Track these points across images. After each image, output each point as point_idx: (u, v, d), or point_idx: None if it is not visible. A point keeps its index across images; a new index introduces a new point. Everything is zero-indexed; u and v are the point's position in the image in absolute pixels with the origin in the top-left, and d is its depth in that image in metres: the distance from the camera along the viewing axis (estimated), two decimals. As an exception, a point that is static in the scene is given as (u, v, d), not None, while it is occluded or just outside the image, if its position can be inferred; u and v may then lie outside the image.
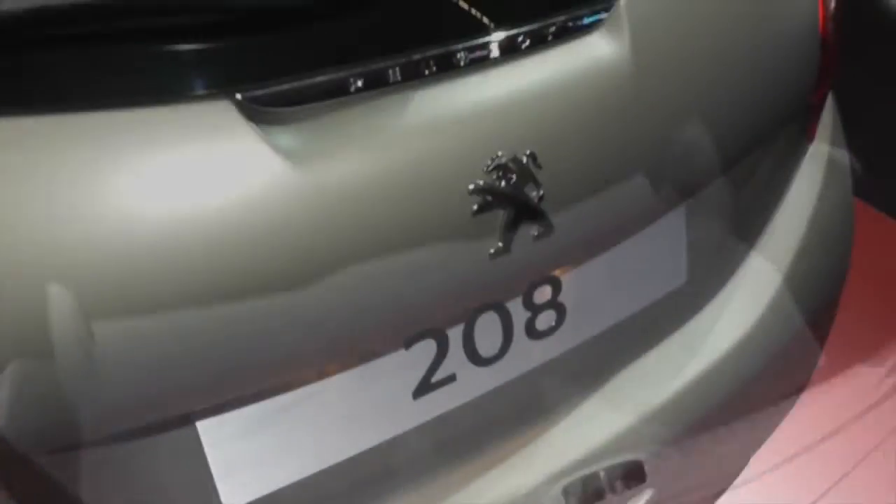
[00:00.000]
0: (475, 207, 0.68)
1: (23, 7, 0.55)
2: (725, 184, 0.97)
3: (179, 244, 0.57)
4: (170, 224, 0.57)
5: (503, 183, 0.68)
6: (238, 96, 0.60)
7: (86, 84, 0.60)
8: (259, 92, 0.61)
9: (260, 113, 0.61)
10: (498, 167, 0.68)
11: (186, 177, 0.59)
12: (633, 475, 0.94)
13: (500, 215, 0.69)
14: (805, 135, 1.13)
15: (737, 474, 1.21)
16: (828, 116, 1.22)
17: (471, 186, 0.67)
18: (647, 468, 0.95)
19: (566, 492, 0.86)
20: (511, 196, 0.69)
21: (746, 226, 1.06)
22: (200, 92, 0.62)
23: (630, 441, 0.92)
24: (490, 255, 0.70)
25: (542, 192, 0.70)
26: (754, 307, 1.05)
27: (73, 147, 0.56)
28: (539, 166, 0.70)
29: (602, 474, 0.90)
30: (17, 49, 0.57)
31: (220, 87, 0.61)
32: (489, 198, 0.68)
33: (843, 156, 1.25)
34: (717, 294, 1.04)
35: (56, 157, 0.55)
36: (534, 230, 0.71)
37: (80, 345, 0.55)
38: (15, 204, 0.54)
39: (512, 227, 0.70)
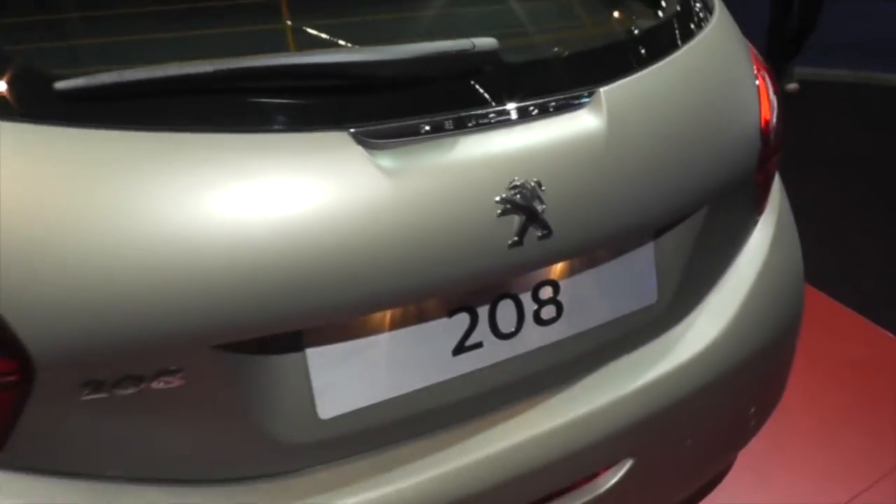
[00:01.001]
0: (499, 212, 1.02)
1: (233, 67, 0.93)
2: (685, 232, 1.30)
3: (311, 227, 0.93)
4: (308, 213, 0.93)
5: (518, 197, 1.03)
6: (352, 130, 0.97)
7: (262, 115, 0.96)
8: (366, 128, 0.98)
9: (365, 142, 0.97)
10: (515, 186, 1.03)
11: (316, 180, 0.95)
12: (613, 446, 1.24)
13: (515, 219, 1.03)
14: (756, 207, 1.48)
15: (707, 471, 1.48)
16: (776, 196, 1.56)
17: (496, 198, 1.02)
18: (625, 441, 1.25)
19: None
20: (523, 206, 1.03)
21: (708, 269, 1.39)
22: (330, 126, 0.98)
23: (610, 416, 1.22)
24: (508, 245, 1.04)
25: (544, 207, 1.05)
26: (712, 333, 1.36)
27: (248, 158, 0.93)
28: (543, 190, 1.05)
29: (587, 440, 1.20)
30: (225, 91, 0.95)
31: (340, 123, 0.98)
32: (508, 206, 1.03)
33: (791, 228, 1.58)
34: (685, 317, 1.35)
35: (237, 167, 0.92)
36: (538, 232, 1.05)
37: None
38: (207, 199, 0.90)
39: (524, 228, 1.04)
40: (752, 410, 1.50)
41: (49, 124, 0.88)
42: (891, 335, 2.65)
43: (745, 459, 1.98)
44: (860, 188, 3.82)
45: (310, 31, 1.11)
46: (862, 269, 3.12)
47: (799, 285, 1.53)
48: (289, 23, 1.13)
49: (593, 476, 1.24)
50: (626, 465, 1.27)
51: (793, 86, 5.22)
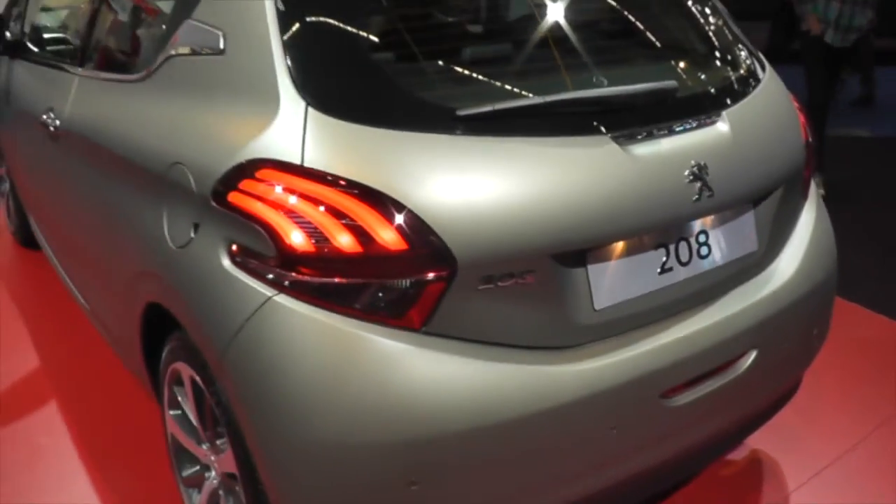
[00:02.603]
0: (688, 180, 1.74)
1: (556, 99, 1.65)
2: (770, 203, 2.03)
3: (594, 190, 1.63)
4: (592, 182, 1.63)
5: (697, 171, 1.75)
6: (610, 135, 1.69)
7: (571, 127, 1.67)
8: (617, 134, 1.70)
9: (617, 141, 1.69)
10: (695, 165, 1.76)
11: (598, 162, 1.66)
12: (743, 340, 1.91)
13: (696, 185, 1.75)
14: (804, 192, 2.22)
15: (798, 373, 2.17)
16: (813, 190, 2.32)
17: (686, 172, 1.74)
18: (749, 337, 1.93)
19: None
20: (699, 177, 1.75)
21: (783, 229, 2.11)
22: (601, 132, 1.69)
23: (740, 319, 1.89)
24: (693, 201, 1.75)
25: (709, 177, 1.77)
26: (792, 269, 2.08)
27: (566, 151, 1.64)
28: (707, 168, 1.77)
29: (730, 333, 1.88)
30: (552, 113, 1.66)
31: (605, 131, 1.70)
32: (692, 177, 1.74)
33: (821, 204, 2.33)
34: (773, 261, 2.07)
35: (559, 155, 1.63)
36: (707, 192, 1.76)
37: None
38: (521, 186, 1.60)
39: (700, 189, 1.75)
40: (815, 332, 2.19)
41: (459, 135, 1.58)
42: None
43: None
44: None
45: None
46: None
47: (832, 244, 2.26)
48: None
49: (737, 358, 1.91)
50: (753, 355, 1.94)
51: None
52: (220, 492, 1.97)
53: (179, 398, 2.05)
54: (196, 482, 2.11)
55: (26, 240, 4.16)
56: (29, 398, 2.94)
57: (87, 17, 2.70)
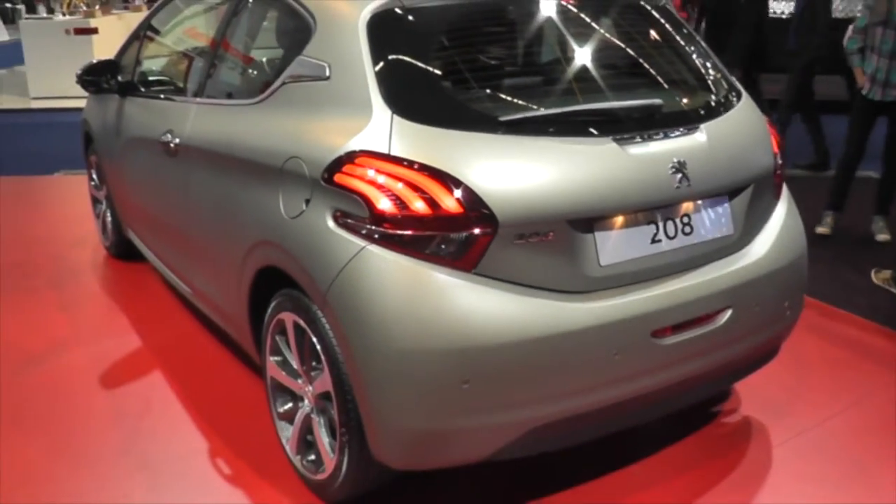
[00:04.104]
0: (671, 172, 2.34)
1: (578, 109, 2.29)
2: (743, 198, 2.60)
3: (600, 175, 2.24)
4: (599, 169, 2.25)
5: (678, 164, 2.35)
6: (611, 138, 2.31)
7: (590, 130, 2.29)
8: (618, 137, 2.31)
9: (618, 142, 2.29)
10: (677, 161, 2.35)
11: (602, 157, 2.27)
12: (720, 299, 2.47)
13: (677, 176, 2.35)
14: (776, 194, 2.80)
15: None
16: (786, 193, 2.90)
17: (669, 165, 2.34)
18: (726, 297, 2.49)
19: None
20: (679, 169, 2.35)
21: (756, 220, 2.67)
22: (606, 136, 2.30)
23: (717, 283, 2.46)
24: (675, 188, 2.34)
25: (687, 171, 2.36)
26: (763, 250, 2.64)
27: (586, 149, 2.26)
28: (686, 163, 2.37)
29: (710, 293, 2.44)
30: (574, 121, 2.30)
31: (610, 135, 2.31)
32: (674, 169, 2.34)
33: (792, 205, 2.90)
34: (748, 243, 2.63)
35: (584, 152, 2.25)
36: (686, 182, 2.35)
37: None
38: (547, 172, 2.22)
39: (680, 179, 2.34)
40: (787, 304, 2.74)
41: (501, 135, 2.21)
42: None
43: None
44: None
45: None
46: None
47: (802, 237, 2.81)
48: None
49: (715, 314, 2.47)
50: (728, 312, 2.50)
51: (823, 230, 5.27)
52: (313, 415, 2.55)
53: (280, 345, 2.65)
54: (289, 415, 2.70)
55: (120, 253, 4.84)
56: (139, 367, 3.57)
57: (201, 60, 3.41)
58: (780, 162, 2.79)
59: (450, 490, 2.65)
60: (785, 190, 2.87)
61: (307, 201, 2.34)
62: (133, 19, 6.75)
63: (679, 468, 2.79)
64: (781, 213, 2.78)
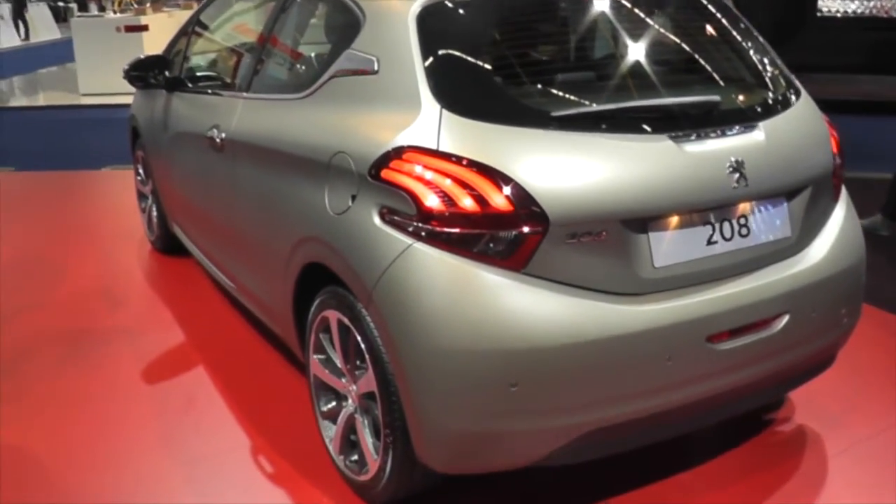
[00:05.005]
0: (728, 171, 2.26)
1: (629, 105, 2.21)
2: (801, 199, 2.51)
3: (655, 173, 2.17)
4: (654, 168, 2.17)
5: (736, 164, 2.27)
6: (666, 135, 2.23)
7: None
8: (674, 134, 2.23)
9: (675, 140, 2.22)
10: (735, 160, 2.27)
11: (658, 154, 2.20)
12: (777, 305, 2.38)
13: (735, 175, 2.26)
14: (834, 196, 2.70)
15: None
16: (845, 195, 2.79)
17: (727, 164, 2.26)
18: (783, 303, 2.40)
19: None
20: (738, 169, 2.27)
21: (813, 223, 2.57)
22: (662, 133, 2.23)
23: (774, 289, 2.37)
24: (732, 188, 2.26)
25: (745, 170, 2.28)
26: (821, 254, 2.54)
27: (637, 146, 2.19)
28: (744, 163, 2.29)
29: (767, 297, 2.36)
30: (625, 118, 2.24)
31: (665, 132, 2.23)
32: (732, 169, 2.26)
33: (851, 208, 2.79)
34: (806, 247, 2.54)
35: (634, 149, 2.18)
36: (744, 182, 2.27)
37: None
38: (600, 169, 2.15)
39: (738, 179, 2.26)
40: (844, 311, 2.63)
41: (553, 130, 2.15)
42: None
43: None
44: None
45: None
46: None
47: (861, 242, 2.71)
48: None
49: (772, 319, 2.38)
50: (785, 318, 2.41)
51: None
52: (356, 415, 2.51)
53: (324, 343, 2.62)
54: (333, 414, 2.66)
55: (165, 247, 4.87)
56: (180, 362, 3.57)
57: (248, 56, 3.39)
58: (839, 162, 2.68)
59: (503, 489, 2.59)
60: (843, 192, 2.77)
61: (353, 197, 2.30)
62: (183, 17, 6.86)
63: (734, 476, 2.70)
64: (840, 216, 2.67)
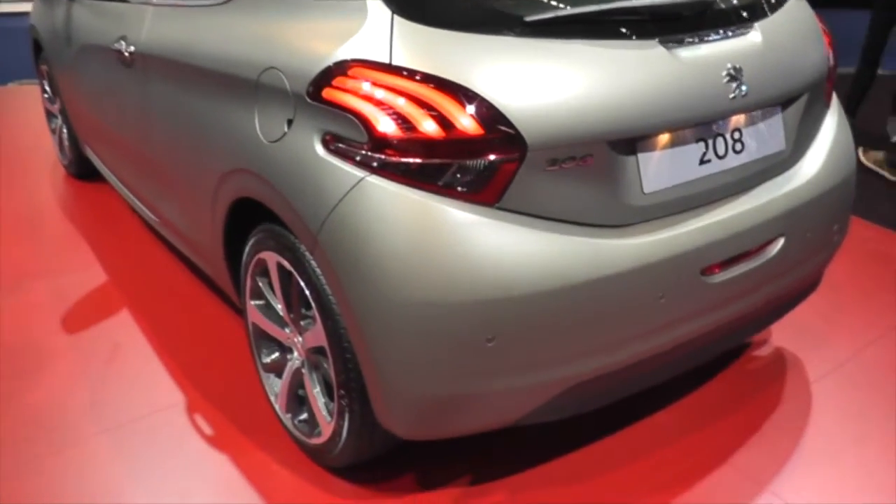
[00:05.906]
0: (725, 80, 1.95)
1: (614, 7, 1.86)
2: (797, 107, 2.23)
3: (643, 83, 1.84)
4: (642, 78, 1.84)
5: (733, 72, 1.96)
6: (657, 40, 1.90)
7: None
8: (666, 39, 1.90)
9: (665, 45, 1.89)
10: (732, 67, 1.96)
11: (647, 63, 1.86)
12: (772, 227, 2.13)
13: (732, 84, 1.96)
14: (827, 100, 2.42)
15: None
16: (835, 99, 2.52)
17: (723, 73, 1.95)
18: (778, 224, 2.14)
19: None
20: (735, 77, 1.96)
21: (807, 132, 2.31)
22: (653, 38, 1.90)
23: (768, 209, 2.10)
24: (730, 98, 1.96)
25: (743, 78, 1.97)
26: (815, 167, 2.28)
27: (619, 53, 1.85)
28: (742, 70, 1.98)
29: (761, 220, 2.09)
30: (606, 20, 1.88)
31: (655, 37, 1.90)
32: (728, 77, 1.95)
33: (842, 114, 2.52)
34: (799, 160, 2.28)
35: (616, 56, 1.84)
36: (742, 91, 1.97)
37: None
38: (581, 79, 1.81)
39: (736, 88, 1.96)
40: (835, 227, 2.40)
41: (526, 38, 1.79)
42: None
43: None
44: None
45: None
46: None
47: (852, 150, 2.45)
48: None
49: (767, 244, 2.13)
50: (781, 242, 2.16)
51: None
52: (304, 370, 2.21)
53: (262, 288, 2.29)
54: (277, 367, 2.36)
55: (81, 172, 4.40)
56: (103, 305, 3.20)
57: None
58: (832, 63, 2.40)
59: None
60: (834, 97, 2.49)
61: (289, 122, 1.93)
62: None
63: (715, 413, 2.50)
64: (832, 125, 2.41)
